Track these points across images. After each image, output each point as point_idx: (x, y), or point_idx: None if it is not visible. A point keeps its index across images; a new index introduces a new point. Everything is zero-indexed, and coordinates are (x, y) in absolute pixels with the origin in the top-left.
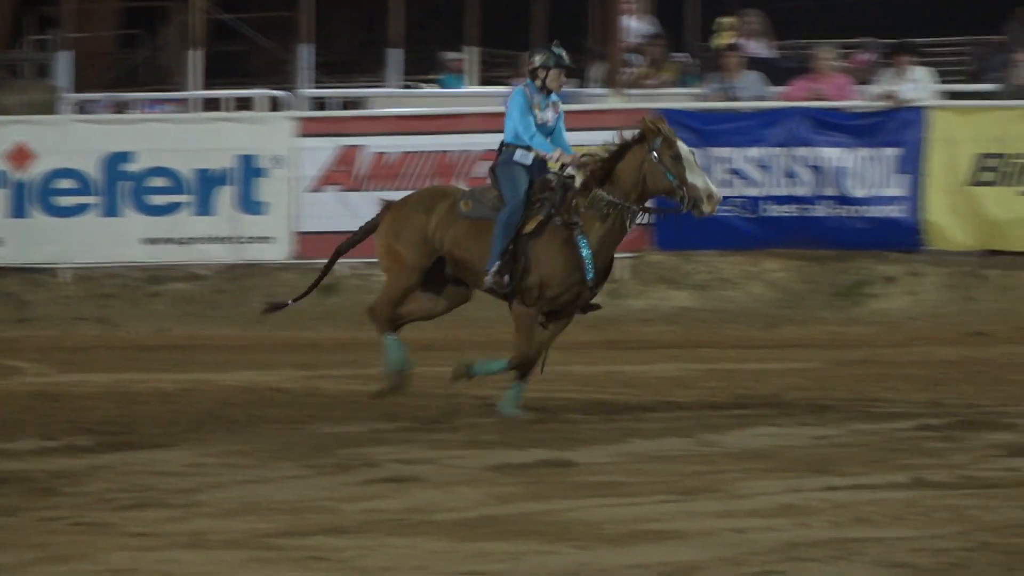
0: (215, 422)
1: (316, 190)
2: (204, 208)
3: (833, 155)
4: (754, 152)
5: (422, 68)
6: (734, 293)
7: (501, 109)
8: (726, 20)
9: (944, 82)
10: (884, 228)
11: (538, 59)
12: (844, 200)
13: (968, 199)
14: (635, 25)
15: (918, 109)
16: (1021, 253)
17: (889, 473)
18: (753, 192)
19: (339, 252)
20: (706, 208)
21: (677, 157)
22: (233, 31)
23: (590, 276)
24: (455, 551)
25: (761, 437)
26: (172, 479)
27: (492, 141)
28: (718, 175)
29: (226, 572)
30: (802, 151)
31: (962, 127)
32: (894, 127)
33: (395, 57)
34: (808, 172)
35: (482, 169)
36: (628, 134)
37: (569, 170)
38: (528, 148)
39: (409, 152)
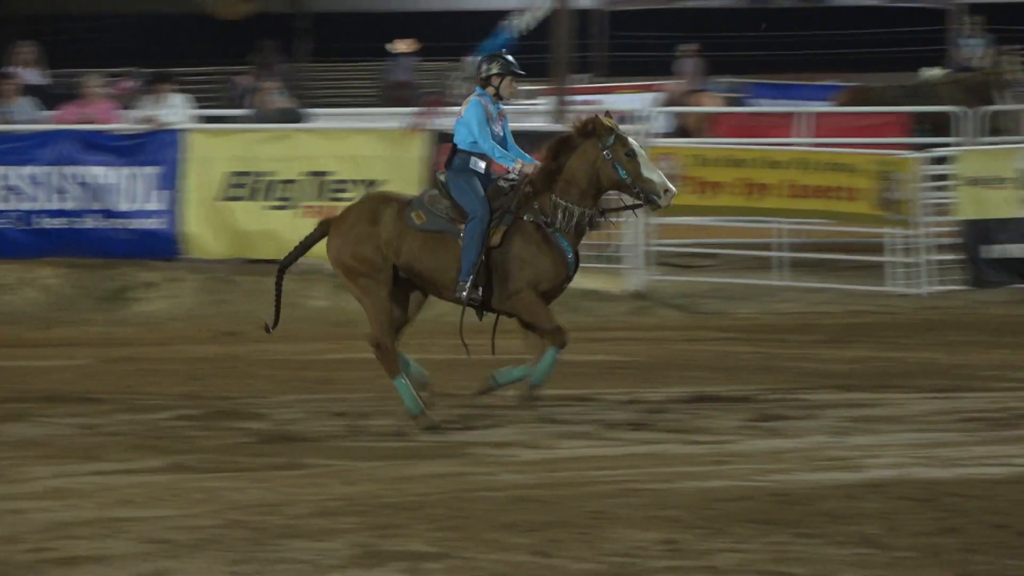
0: None
1: None
2: None
3: (100, 173)
4: (28, 170)
5: None
6: (11, 298)
7: None
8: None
9: (200, 107)
10: (146, 239)
11: (493, 67)
12: (110, 214)
13: (221, 213)
14: None
15: (175, 131)
16: (267, 261)
17: (151, 459)
18: (27, 206)
19: (282, 270)
20: (662, 202)
21: (632, 154)
22: None
23: (573, 269)
24: None
25: (35, 427)
26: None
27: None
28: None
29: None
30: (72, 169)
31: (215, 147)
32: (154, 147)
33: None
34: (77, 188)
35: None
36: (566, 132)
37: (513, 175)
38: (482, 157)
39: None
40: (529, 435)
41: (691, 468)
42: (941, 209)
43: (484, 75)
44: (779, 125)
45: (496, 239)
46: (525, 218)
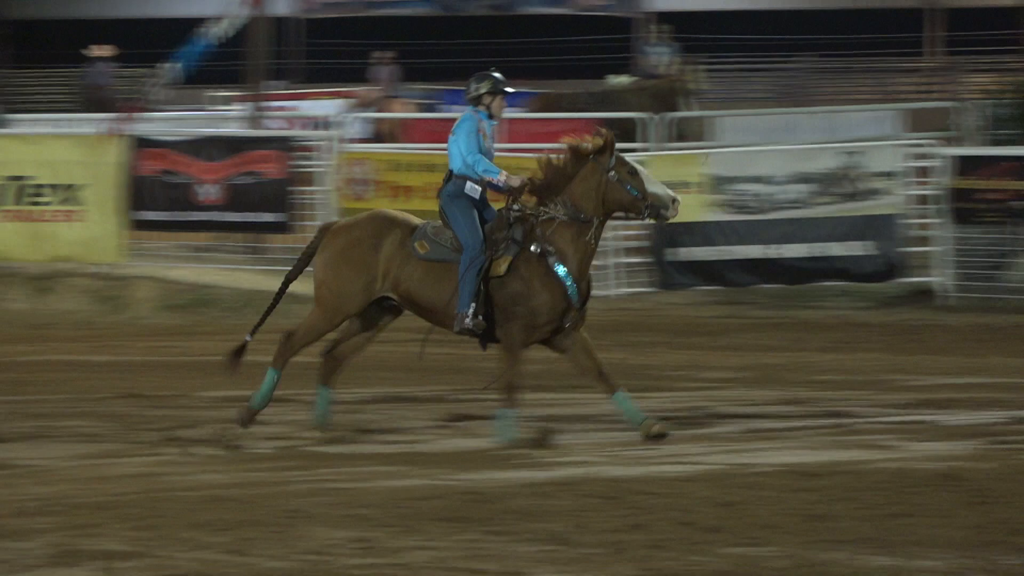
0: None
1: None
2: None
3: None
4: None
5: None
6: None
7: None
8: None
9: None
10: None
11: (484, 87)
12: None
13: None
14: None
15: None
16: None
17: None
18: None
19: (288, 281)
20: (670, 214)
21: (634, 172)
22: None
23: (575, 300)
24: None
25: None
26: None
27: None
28: None
29: None
30: None
31: None
32: None
33: None
34: None
35: None
36: (569, 152)
37: (500, 185)
38: (477, 181)
39: None
40: (225, 436)
41: (384, 467)
42: None
43: (475, 95)
44: None
45: (501, 269)
46: (532, 248)
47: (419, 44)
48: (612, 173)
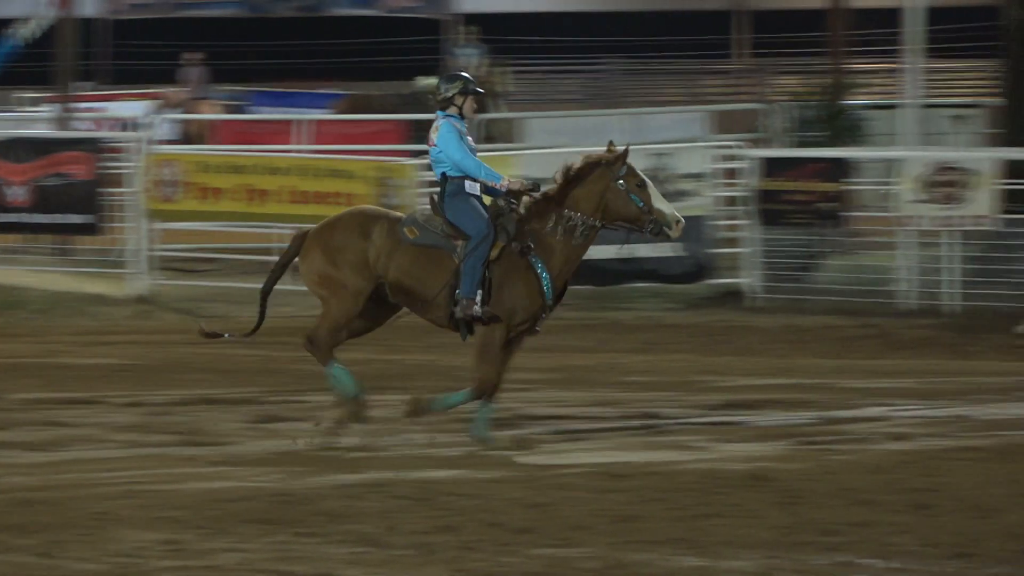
0: None
1: None
2: None
3: None
4: None
5: None
6: None
7: None
8: None
9: None
10: None
11: (455, 88)
12: None
13: None
14: None
15: None
16: None
17: None
18: None
19: (266, 292)
20: (673, 233)
21: (643, 184)
22: None
23: (549, 298)
24: None
25: None
26: None
27: None
28: None
29: None
30: None
31: None
32: None
33: None
34: None
35: None
36: (585, 160)
37: (501, 190)
38: (473, 180)
39: None
40: (33, 437)
41: (194, 469)
42: None
43: (446, 96)
44: (280, 132)
45: (493, 254)
46: (513, 245)
47: (228, 45)
48: (620, 182)
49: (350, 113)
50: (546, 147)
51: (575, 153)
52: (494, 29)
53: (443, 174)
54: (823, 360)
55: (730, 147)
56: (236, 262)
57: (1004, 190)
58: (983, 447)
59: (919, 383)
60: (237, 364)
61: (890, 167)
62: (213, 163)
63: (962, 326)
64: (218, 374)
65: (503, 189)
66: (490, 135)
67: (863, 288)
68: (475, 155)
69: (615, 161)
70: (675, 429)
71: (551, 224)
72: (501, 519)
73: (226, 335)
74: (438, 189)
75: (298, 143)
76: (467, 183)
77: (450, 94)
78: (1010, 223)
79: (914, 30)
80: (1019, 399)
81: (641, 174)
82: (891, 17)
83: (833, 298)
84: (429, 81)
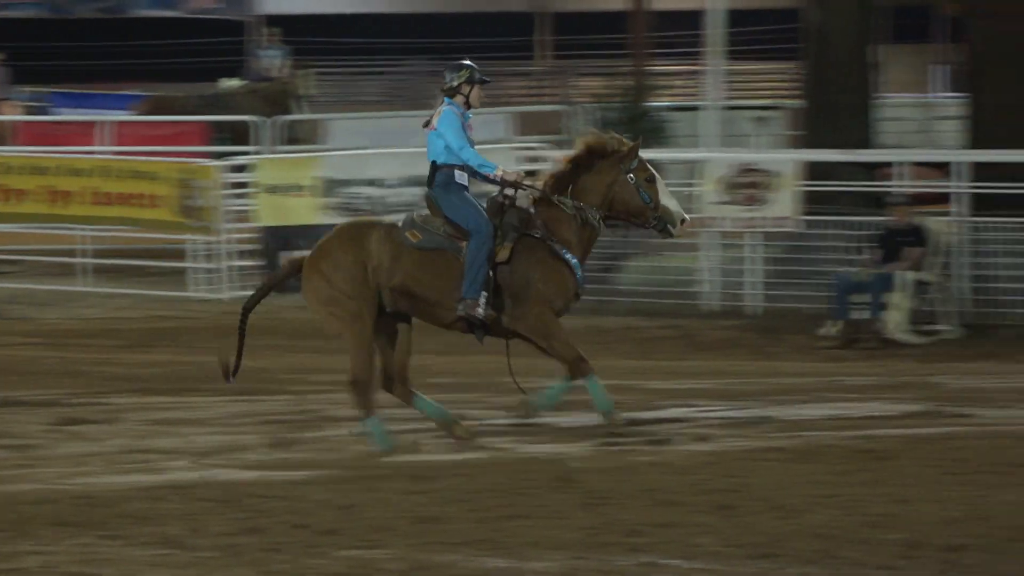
0: None
1: None
2: None
3: None
4: None
5: None
6: None
7: None
8: None
9: None
10: None
11: (461, 77)
12: None
13: None
14: None
15: None
16: None
17: None
18: None
19: (246, 311)
20: (676, 232)
21: (652, 179)
22: None
23: (581, 281)
24: None
25: None
26: None
27: None
28: None
29: None
30: None
31: None
32: None
33: None
34: None
35: None
36: (592, 149)
37: (508, 190)
38: (462, 168)
39: None
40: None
41: None
42: (241, 216)
43: (452, 86)
44: (82, 134)
45: (504, 255)
46: (532, 234)
47: (29, 46)
48: (630, 175)
49: (152, 114)
50: (348, 148)
51: (377, 155)
52: (296, 31)
53: (433, 162)
54: (626, 361)
55: (533, 148)
56: (38, 264)
57: (805, 192)
58: (786, 448)
59: (722, 384)
60: (38, 366)
61: (692, 168)
62: (15, 164)
63: (764, 327)
64: (20, 376)
65: (497, 179)
66: (293, 136)
67: (666, 289)
68: (473, 146)
69: (628, 153)
70: (480, 430)
71: (562, 212)
72: (307, 520)
73: (230, 381)
74: (428, 183)
75: (101, 144)
76: (456, 173)
77: (456, 83)
78: (811, 224)
79: (715, 32)
80: (821, 400)
81: (651, 168)
82: (692, 19)
83: (636, 299)
84: (231, 83)
